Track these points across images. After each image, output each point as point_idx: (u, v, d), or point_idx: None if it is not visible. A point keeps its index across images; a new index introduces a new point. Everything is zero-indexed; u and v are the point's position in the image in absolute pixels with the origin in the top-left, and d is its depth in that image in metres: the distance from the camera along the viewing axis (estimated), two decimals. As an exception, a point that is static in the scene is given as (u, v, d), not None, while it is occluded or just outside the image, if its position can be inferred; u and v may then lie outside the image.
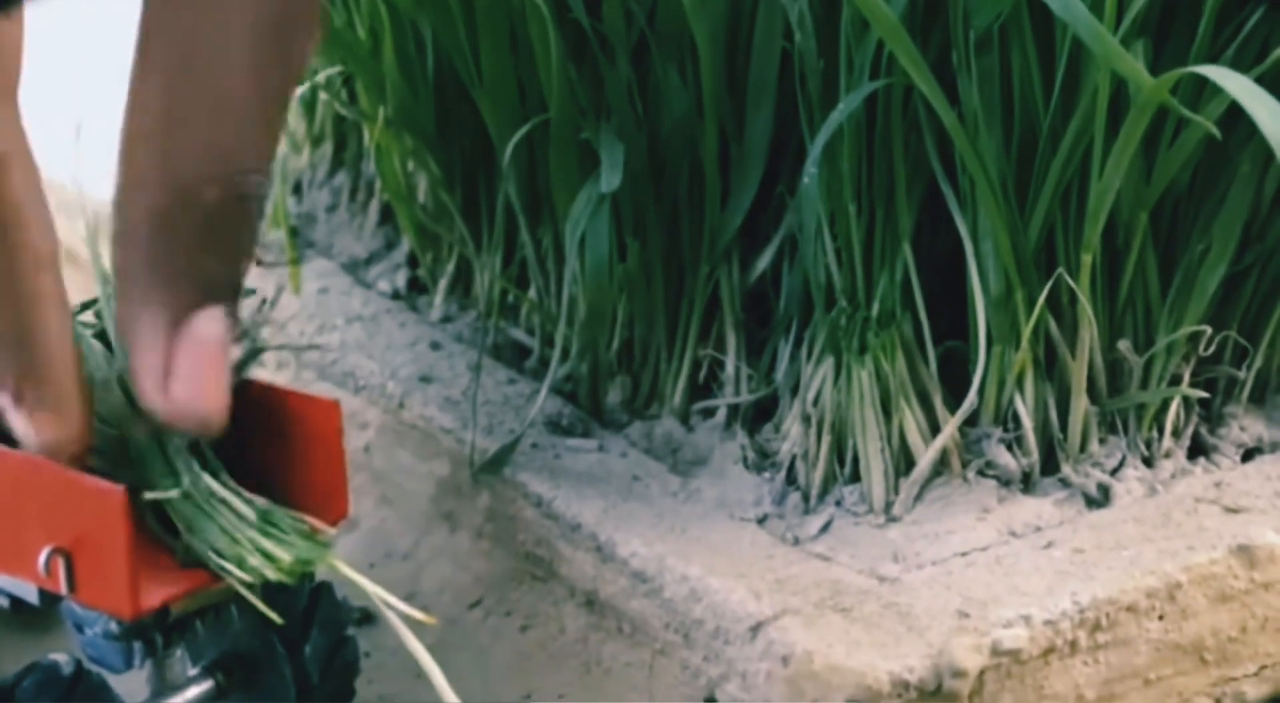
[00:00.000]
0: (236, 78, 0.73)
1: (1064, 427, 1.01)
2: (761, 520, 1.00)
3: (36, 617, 0.96)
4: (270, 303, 0.94)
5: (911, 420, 1.00)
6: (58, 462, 0.83)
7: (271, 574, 0.86)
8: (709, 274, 1.06)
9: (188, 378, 0.76)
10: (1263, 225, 1.03)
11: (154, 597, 0.86)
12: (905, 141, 0.99)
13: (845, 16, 0.96)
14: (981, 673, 0.90)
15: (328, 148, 1.27)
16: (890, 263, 1.00)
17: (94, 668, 0.93)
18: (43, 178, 0.78)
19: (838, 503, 1.00)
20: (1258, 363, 1.07)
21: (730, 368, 1.07)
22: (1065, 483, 1.01)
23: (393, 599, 0.87)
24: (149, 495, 0.85)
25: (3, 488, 0.88)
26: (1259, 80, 0.88)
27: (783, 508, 1.01)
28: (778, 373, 1.06)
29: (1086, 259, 0.97)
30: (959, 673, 0.89)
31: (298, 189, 1.27)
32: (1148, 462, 1.03)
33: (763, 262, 1.07)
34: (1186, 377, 1.03)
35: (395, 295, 1.19)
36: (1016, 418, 1.00)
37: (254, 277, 1.19)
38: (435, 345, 1.14)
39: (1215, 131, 0.91)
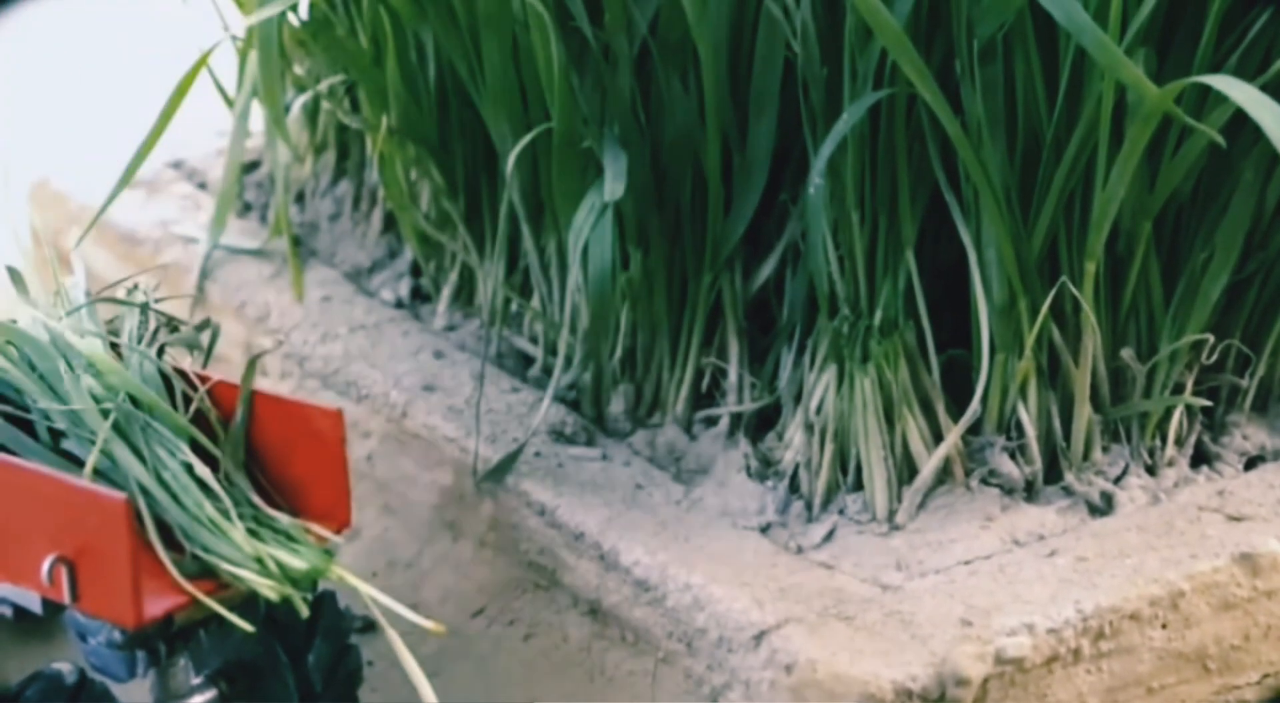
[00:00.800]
0: None
1: (1067, 435, 1.01)
2: (764, 529, 1.00)
3: (40, 626, 0.96)
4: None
5: (914, 429, 1.00)
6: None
7: (278, 587, 0.86)
8: (712, 283, 1.06)
9: None
10: (1265, 234, 1.03)
11: (157, 606, 0.86)
12: (909, 150, 0.99)
13: (849, 25, 0.96)
14: (985, 681, 0.90)
15: (330, 157, 1.27)
16: (893, 271, 1.00)
17: (97, 677, 0.93)
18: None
19: (841, 511, 1.00)
20: (1260, 371, 1.06)
21: (733, 376, 1.07)
22: (1068, 491, 1.01)
23: (399, 608, 0.87)
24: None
25: (6, 497, 0.88)
26: (1263, 89, 0.88)
27: (786, 516, 1.01)
28: (780, 381, 1.06)
29: (1090, 268, 0.98)
30: (962, 681, 0.89)
31: (300, 198, 1.27)
32: (1151, 470, 1.03)
33: (765, 270, 1.07)
34: (1189, 385, 1.03)
35: (398, 304, 1.19)
36: (1019, 426, 1.00)
37: (258, 285, 1.20)
38: (438, 354, 1.14)
39: (1221, 141, 0.92)
